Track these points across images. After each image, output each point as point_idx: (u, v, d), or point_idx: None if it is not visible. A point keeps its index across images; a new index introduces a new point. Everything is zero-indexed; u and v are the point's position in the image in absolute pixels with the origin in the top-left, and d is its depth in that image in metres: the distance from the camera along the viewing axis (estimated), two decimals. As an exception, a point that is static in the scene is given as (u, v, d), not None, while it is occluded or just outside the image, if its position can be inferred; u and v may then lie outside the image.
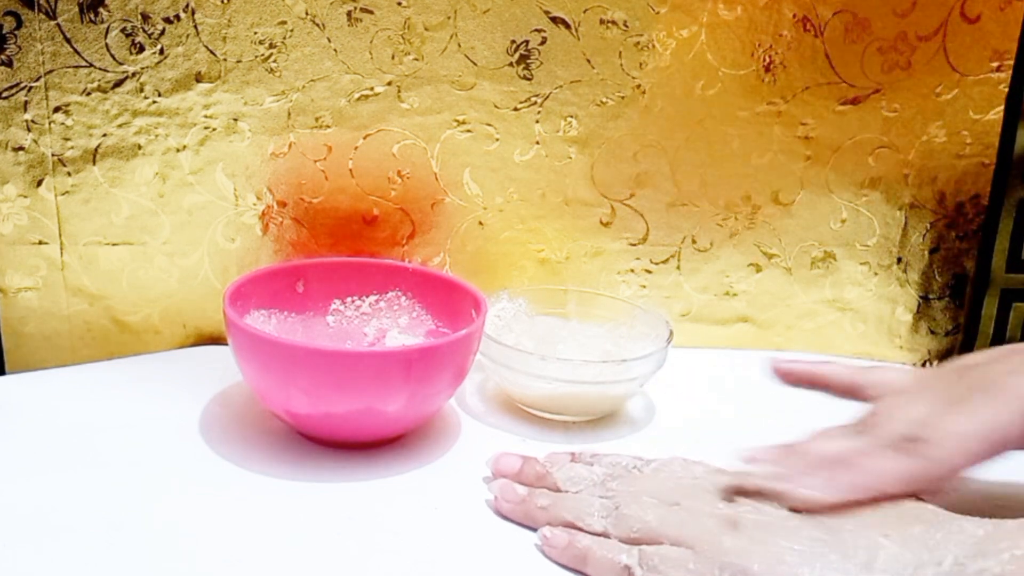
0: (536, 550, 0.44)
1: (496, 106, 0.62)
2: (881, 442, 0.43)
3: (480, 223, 0.65)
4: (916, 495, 0.42)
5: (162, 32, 0.56)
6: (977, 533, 0.38)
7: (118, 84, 0.56)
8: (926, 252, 0.69)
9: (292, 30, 0.58)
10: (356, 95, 0.60)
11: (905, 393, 0.46)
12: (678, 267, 0.68)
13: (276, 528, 0.45)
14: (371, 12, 0.58)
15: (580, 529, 0.44)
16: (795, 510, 0.42)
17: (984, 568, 0.36)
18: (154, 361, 0.61)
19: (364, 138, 0.61)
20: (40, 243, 0.58)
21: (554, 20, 0.60)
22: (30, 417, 0.53)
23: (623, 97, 0.63)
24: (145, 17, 0.55)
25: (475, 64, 0.60)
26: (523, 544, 0.45)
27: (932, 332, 0.71)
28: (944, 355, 0.71)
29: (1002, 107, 0.65)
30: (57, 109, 0.56)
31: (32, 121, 0.55)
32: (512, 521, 0.46)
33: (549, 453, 0.50)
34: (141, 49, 0.56)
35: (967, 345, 0.70)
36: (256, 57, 0.58)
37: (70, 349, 0.60)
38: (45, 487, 0.47)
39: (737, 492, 0.43)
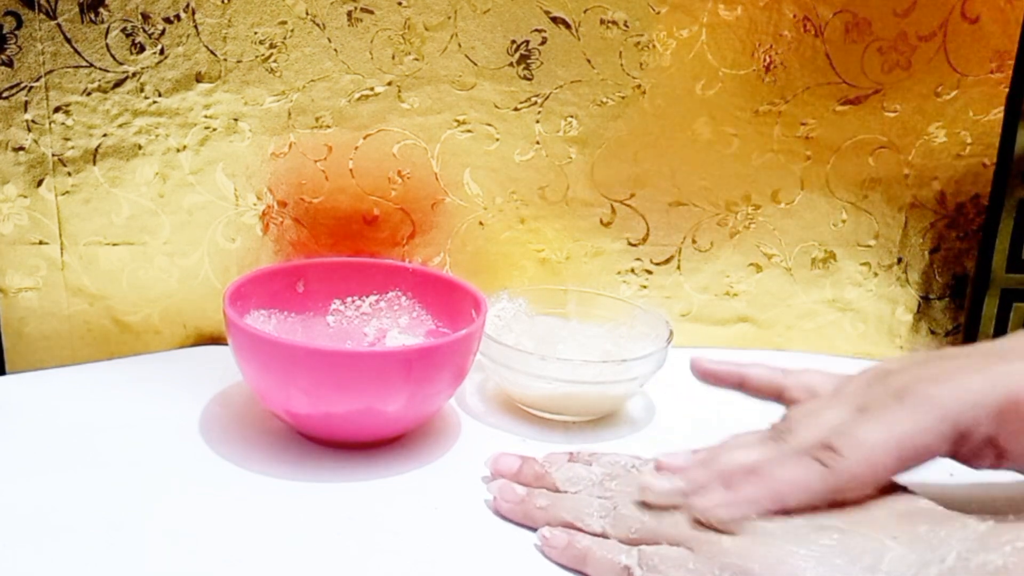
0: (536, 550, 0.44)
1: (496, 106, 0.62)
2: (792, 450, 0.42)
3: (480, 223, 0.65)
4: (827, 505, 0.41)
5: (162, 32, 0.56)
6: (979, 528, 0.38)
7: (118, 84, 0.56)
8: (926, 252, 0.69)
9: (292, 30, 0.58)
10: (356, 95, 0.60)
11: (823, 398, 0.45)
12: (678, 267, 0.68)
13: (276, 528, 0.45)
14: (371, 12, 0.58)
15: (579, 529, 0.44)
16: (700, 523, 0.41)
17: (987, 561, 0.36)
18: (154, 361, 0.61)
19: (364, 138, 0.61)
20: (40, 243, 0.58)
21: (554, 20, 0.60)
22: (30, 417, 0.53)
23: (623, 97, 0.63)
24: (145, 17, 0.55)
25: (475, 64, 0.60)
26: (523, 544, 0.45)
27: (932, 332, 0.71)
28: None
29: (1002, 107, 0.65)
30: (57, 109, 0.56)
31: (32, 121, 0.55)
32: (512, 521, 0.46)
33: (548, 453, 0.50)
34: (141, 49, 0.56)
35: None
36: (256, 57, 0.58)
37: (70, 349, 0.60)
38: (45, 487, 0.47)
39: (644, 505, 0.43)
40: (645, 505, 0.43)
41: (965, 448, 0.41)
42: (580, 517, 0.44)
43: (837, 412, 0.43)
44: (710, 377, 0.53)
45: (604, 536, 0.43)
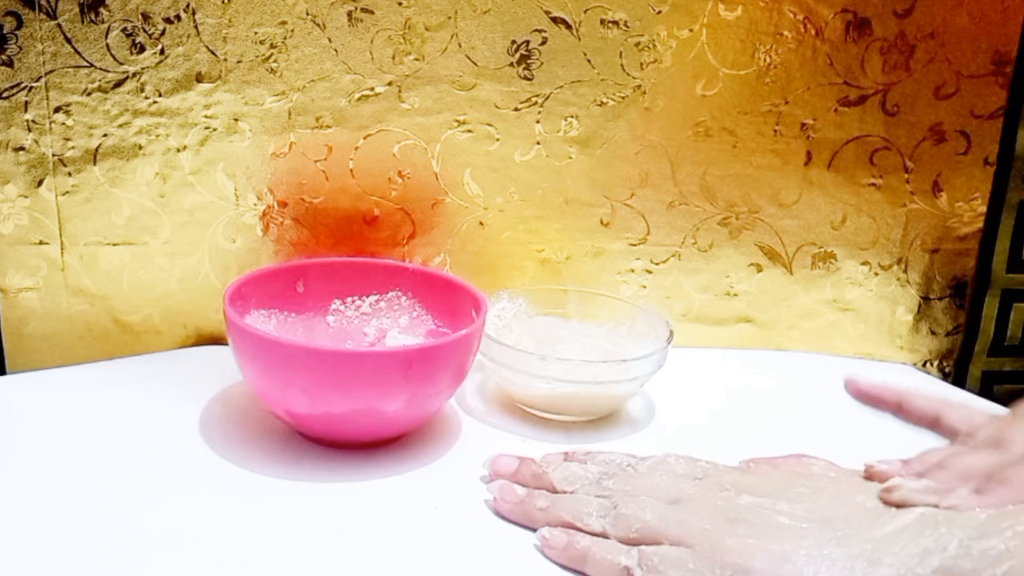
0: (536, 550, 0.44)
1: (497, 106, 0.62)
2: (1021, 457, 0.42)
3: (481, 223, 0.65)
4: None
5: (163, 32, 0.56)
6: (980, 517, 0.39)
7: (118, 84, 0.56)
8: (926, 252, 0.69)
9: (293, 30, 0.58)
10: (357, 95, 0.60)
11: (1006, 418, 0.45)
12: (678, 267, 0.68)
13: (276, 528, 0.45)
14: (371, 12, 0.58)
15: (579, 529, 0.44)
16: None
17: (989, 546, 0.37)
18: (154, 361, 0.61)
19: (365, 138, 0.61)
20: (41, 243, 0.58)
21: (555, 20, 0.60)
22: (30, 417, 0.53)
23: (624, 97, 0.63)
24: (145, 17, 0.55)
25: (475, 64, 0.60)
26: (523, 544, 0.45)
27: (933, 332, 0.71)
28: (944, 356, 0.71)
29: (1002, 107, 0.65)
30: (58, 109, 0.56)
31: (33, 121, 0.55)
32: (511, 521, 0.46)
33: (545, 453, 0.50)
34: (142, 49, 0.56)
35: (968, 345, 0.70)
36: (257, 57, 0.58)
37: (70, 349, 0.60)
38: (45, 487, 0.47)
39: (897, 504, 0.42)
40: (887, 504, 0.42)
41: None
42: (580, 517, 0.44)
43: None
44: (866, 398, 0.52)
45: (604, 536, 0.43)
